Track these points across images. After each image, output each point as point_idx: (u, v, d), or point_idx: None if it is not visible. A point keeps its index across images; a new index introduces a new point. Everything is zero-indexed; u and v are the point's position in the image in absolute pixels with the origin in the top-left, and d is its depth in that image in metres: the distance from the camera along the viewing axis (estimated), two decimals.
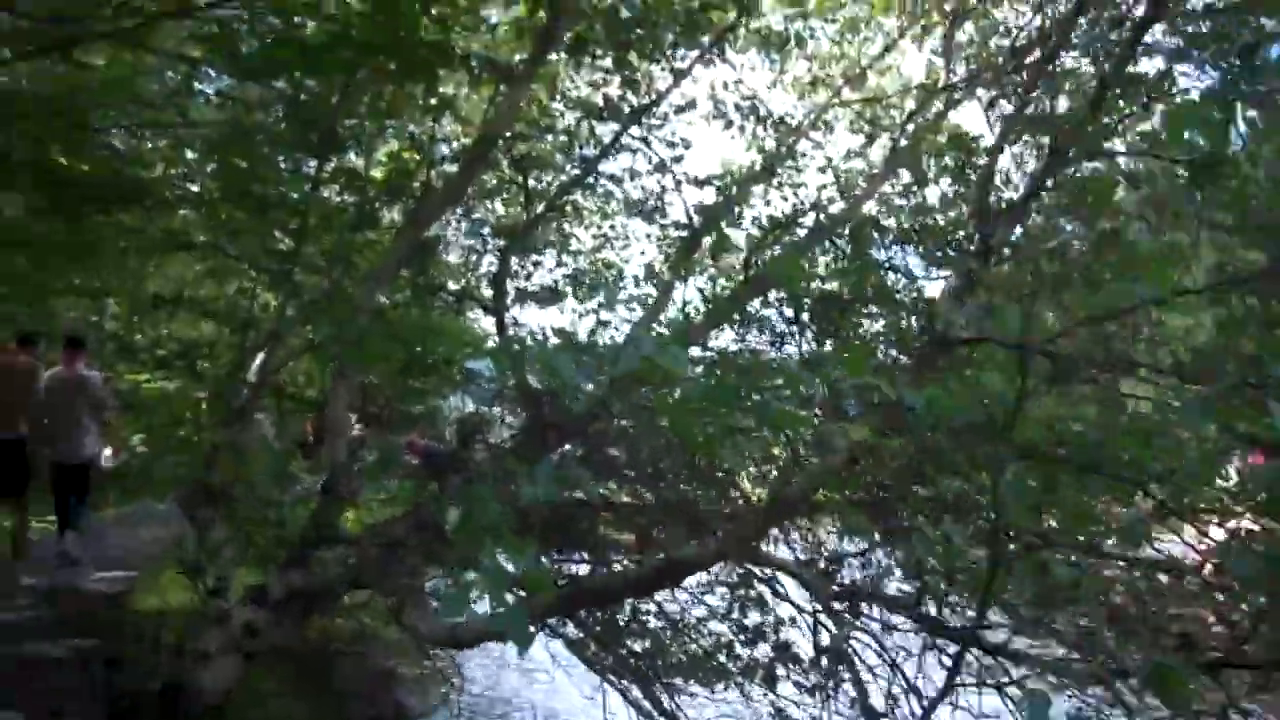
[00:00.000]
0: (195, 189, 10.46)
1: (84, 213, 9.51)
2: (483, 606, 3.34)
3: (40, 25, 8.13)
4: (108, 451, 10.59)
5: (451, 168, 11.93)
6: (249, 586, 6.85)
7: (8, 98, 8.96)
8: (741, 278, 9.54)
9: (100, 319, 17.66)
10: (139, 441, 17.30)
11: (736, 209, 11.35)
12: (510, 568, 3.24)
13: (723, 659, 7.33)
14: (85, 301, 14.72)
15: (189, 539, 8.59)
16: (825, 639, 6.14)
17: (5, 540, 9.65)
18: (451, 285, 14.69)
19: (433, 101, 11.77)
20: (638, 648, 7.72)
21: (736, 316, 8.47)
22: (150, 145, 10.59)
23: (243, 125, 9.55)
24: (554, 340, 3.90)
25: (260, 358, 9.94)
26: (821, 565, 6.13)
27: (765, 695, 6.95)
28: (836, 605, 4.79)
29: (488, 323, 15.40)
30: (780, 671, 6.86)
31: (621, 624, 7.73)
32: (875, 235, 9.26)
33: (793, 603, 5.95)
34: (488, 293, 12.94)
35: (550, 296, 12.60)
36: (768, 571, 6.62)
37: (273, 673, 7.57)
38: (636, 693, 7.29)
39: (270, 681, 7.51)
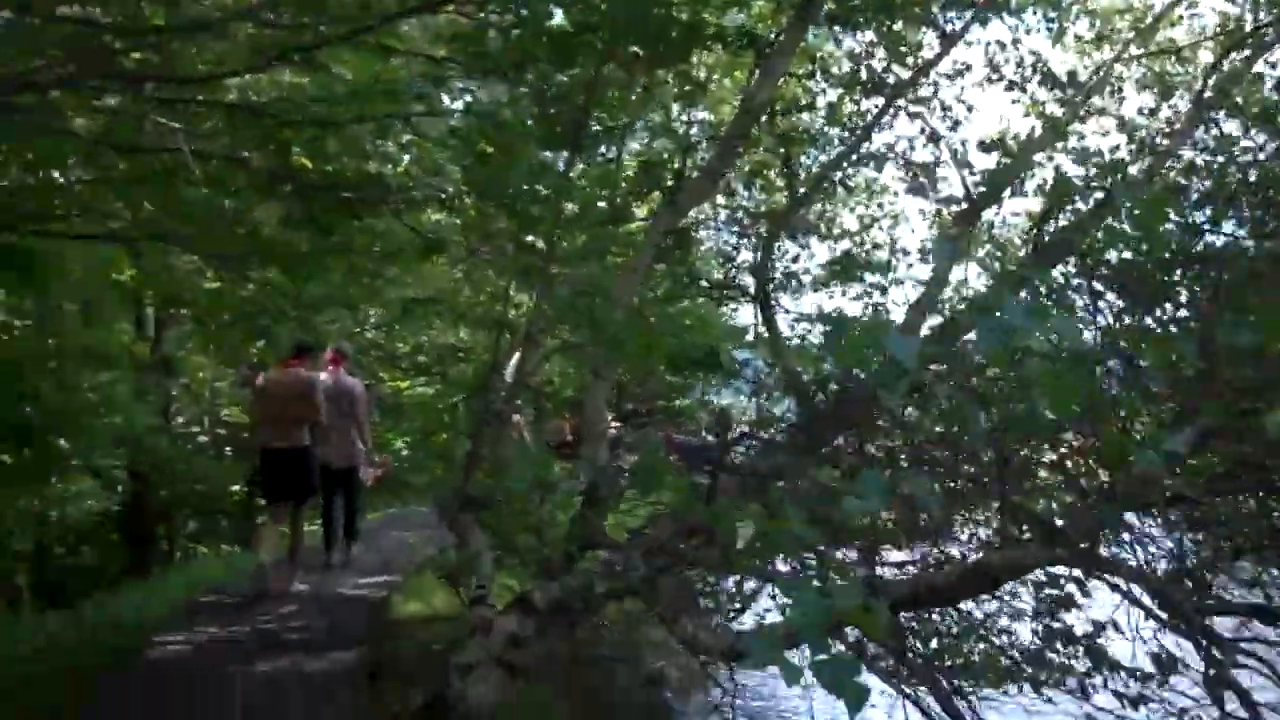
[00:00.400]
0: (448, 189, 10.20)
1: (334, 218, 9.37)
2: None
3: (279, 30, 7.98)
4: (367, 469, 10.56)
5: (707, 155, 11.44)
6: (513, 595, 6.46)
7: (251, 107, 8.88)
8: (1024, 250, 8.74)
9: (361, 329, 18.04)
10: (401, 446, 17.66)
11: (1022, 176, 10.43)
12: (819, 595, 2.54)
13: (1024, 663, 6.55)
14: (344, 311, 14.87)
15: (448, 546, 8.35)
16: (1154, 646, 5.31)
17: (284, 544, 9.68)
18: (710, 275, 14.21)
19: (686, 87, 11.29)
20: (930, 653, 6.99)
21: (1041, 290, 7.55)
22: (396, 145, 10.40)
23: (493, 118, 9.26)
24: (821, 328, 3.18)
25: (515, 358, 9.65)
26: (1179, 571, 5.22)
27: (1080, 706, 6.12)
28: (1207, 621, 3.93)
29: (746, 313, 14.86)
30: (1097, 680, 6.02)
31: (911, 627, 7.02)
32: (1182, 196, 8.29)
33: (1144, 606, 5.04)
34: (748, 280, 12.40)
35: (839, 271, 11.88)
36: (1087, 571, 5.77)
37: (540, 684, 7.16)
38: (932, 703, 6.50)
39: (538, 694, 7.10)
